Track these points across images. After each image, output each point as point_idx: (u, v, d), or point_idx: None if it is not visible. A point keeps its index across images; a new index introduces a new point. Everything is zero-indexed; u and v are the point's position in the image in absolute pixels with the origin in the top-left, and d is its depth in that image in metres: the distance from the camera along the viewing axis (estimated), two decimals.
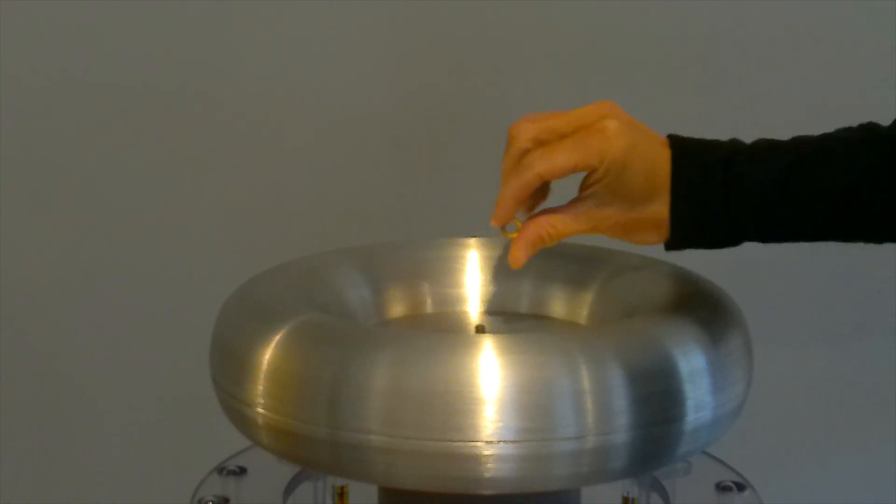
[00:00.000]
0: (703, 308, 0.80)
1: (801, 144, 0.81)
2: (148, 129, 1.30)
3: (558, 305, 0.88)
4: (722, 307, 0.81)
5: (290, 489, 0.91)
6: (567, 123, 0.80)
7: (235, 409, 0.78)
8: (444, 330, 0.88)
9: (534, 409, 0.71)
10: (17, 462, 1.38)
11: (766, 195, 0.80)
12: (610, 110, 0.80)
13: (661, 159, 0.80)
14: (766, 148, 0.81)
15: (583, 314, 0.88)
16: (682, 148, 0.81)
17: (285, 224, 1.31)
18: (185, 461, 1.06)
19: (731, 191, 0.80)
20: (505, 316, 0.90)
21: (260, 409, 0.76)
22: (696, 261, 0.90)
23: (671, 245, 0.82)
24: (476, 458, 0.71)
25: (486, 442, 0.71)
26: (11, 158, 1.30)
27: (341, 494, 0.88)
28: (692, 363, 0.75)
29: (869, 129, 0.82)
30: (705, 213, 0.80)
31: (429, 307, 0.91)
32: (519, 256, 0.81)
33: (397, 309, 0.90)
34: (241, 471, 0.93)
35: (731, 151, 0.81)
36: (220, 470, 0.93)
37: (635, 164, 0.79)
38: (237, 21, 1.28)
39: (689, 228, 0.81)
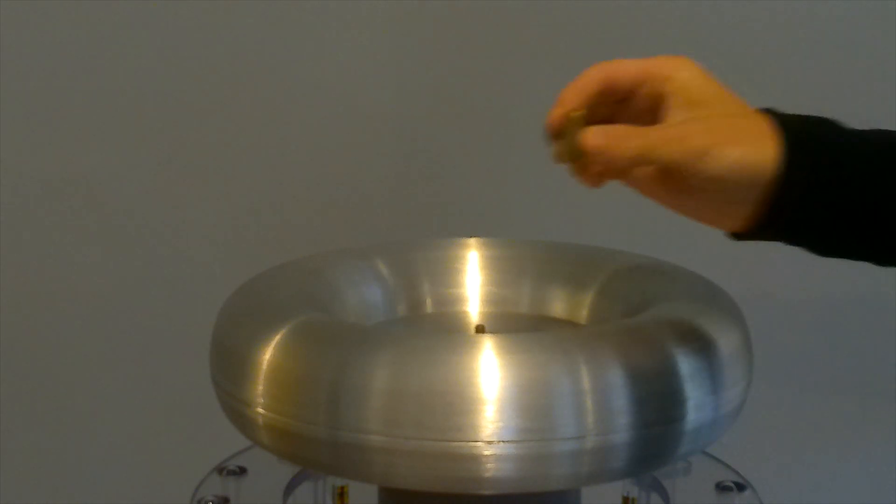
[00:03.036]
0: (703, 308, 0.80)
1: None
2: (147, 127, 1.30)
3: (558, 305, 0.88)
4: (722, 307, 0.81)
5: (290, 489, 0.91)
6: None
7: (235, 409, 0.78)
8: (444, 330, 0.88)
9: (534, 409, 0.71)
10: (17, 462, 1.38)
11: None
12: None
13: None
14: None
15: (583, 314, 0.88)
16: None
17: (285, 224, 1.31)
18: (185, 461, 1.06)
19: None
20: (505, 316, 0.90)
21: (260, 409, 0.76)
22: (697, 261, 0.90)
23: (782, 190, 0.69)
24: (476, 458, 0.71)
25: (486, 442, 0.71)
26: (11, 158, 1.30)
27: (341, 494, 0.88)
28: (692, 363, 0.75)
29: None
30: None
31: (429, 307, 0.91)
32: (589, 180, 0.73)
33: (397, 309, 0.90)
34: (241, 471, 0.93)
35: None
36: (220, 470, 0.93)
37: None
38: (239, 19, 1.28)
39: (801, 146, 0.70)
